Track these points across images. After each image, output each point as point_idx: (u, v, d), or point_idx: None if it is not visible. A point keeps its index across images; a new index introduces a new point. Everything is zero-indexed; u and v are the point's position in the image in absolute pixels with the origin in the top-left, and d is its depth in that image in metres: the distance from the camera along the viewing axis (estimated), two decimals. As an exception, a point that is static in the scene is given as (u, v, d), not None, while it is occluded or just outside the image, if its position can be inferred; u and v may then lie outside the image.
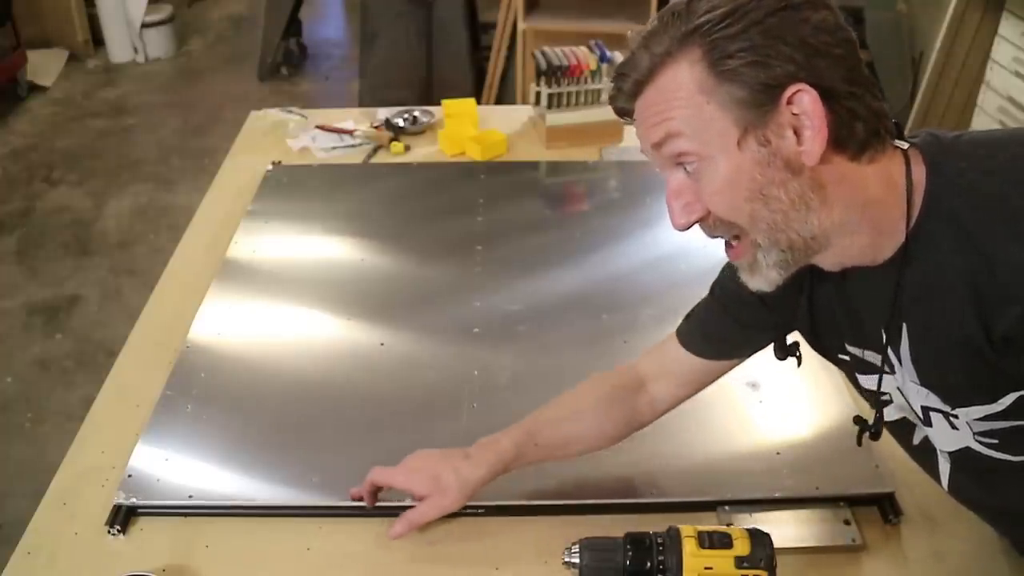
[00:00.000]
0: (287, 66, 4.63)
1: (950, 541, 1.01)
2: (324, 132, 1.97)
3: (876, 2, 3.46)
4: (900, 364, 0.80)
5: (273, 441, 1.16)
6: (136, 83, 4.57)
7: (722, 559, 0.82)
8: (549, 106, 1.91)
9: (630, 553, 0.85)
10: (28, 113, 4.19)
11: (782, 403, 1.20)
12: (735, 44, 0.69)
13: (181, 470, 1.10)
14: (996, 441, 0.78)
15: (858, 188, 0.73)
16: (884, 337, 0.79)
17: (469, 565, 1.00)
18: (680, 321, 1.05)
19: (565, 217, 1.75)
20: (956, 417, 0.79)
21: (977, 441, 0.79)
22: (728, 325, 0.99)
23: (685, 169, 0.75)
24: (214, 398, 1.22)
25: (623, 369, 1.08)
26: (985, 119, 2.95)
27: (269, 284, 1.48)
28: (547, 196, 1.84)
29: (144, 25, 4.70)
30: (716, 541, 0.83)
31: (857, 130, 0.72)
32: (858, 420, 0.90)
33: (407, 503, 1.03)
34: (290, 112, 2.08)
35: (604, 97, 1.92)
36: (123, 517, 1.04)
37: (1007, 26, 2.81)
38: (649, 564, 0.84)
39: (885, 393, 0.86)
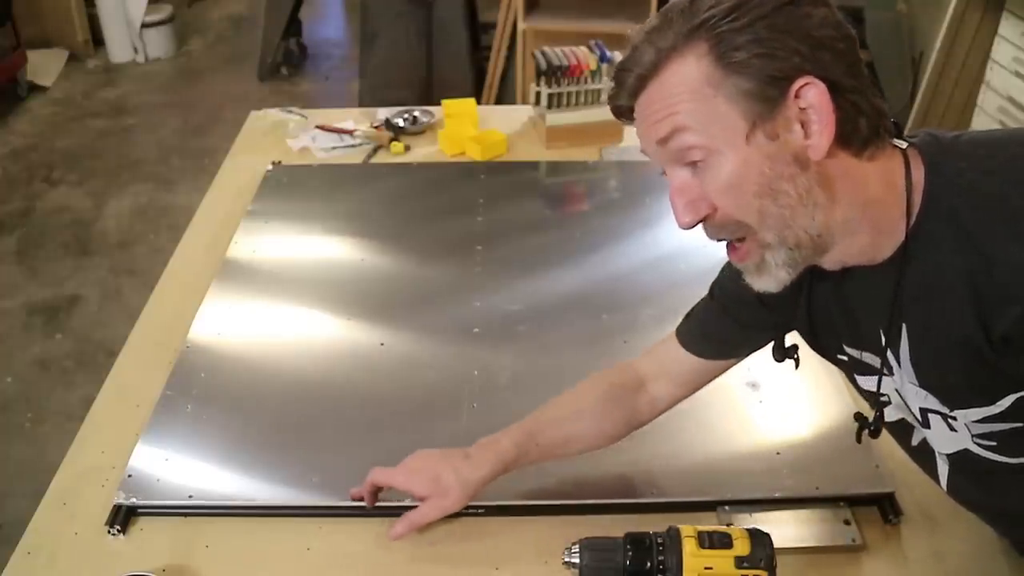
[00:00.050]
0: (287, 66, 4.63)
1: (950, 541, 1.01)
2: (324, 132, 1.97)
3: (876, 2, 3.46)
4: (899, 365, 0.80)
5: (273, 441, 1.16)
6: (136, 83, 4.57)
7: (722, 559, 0.82)
8: (549, 106, 1.91)
9: (630, 553, 0.85)
10: (28, 113, 4.19)
11: (782, 403, 1.20)
12: (742, 37, 0.69)
13: (181, 470, 1.10)
14: (994, 443, 0.77)
15: (860, 185, 0.73)
16: (883, 338, 0.79)
17: (469, 565, 1.00)
18: (680, 321, 1.05)
19: (565, 217, 1.75)
20: (954, 419, 0.79)
21: (975, 443, 0.79)
22: (728, 325, 0.99)
23: (690, 166, 0.74)
24: (214, 398, 1.22)
25: (623, 368, 1.08)
26: (985, 119, 2.95)
27: (269, 284, 1.48)
28: (547, 196, 1.84)
29: (144, 25, 4.70)
30: (716, 541, 0.83)
31: (860, 126, 0.72)
32: (858, 417, 0.90)
33: (407, 503, 1.03)
34: (290, 112, 2.08)
35: (604, 97, 1.92)
36: (123, 517, 1.04)
37: (1007, 26, 2.81)
38: (649, 564, 0.84)
39: (884, 394, 0.86)
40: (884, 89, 3.46)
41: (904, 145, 0.75)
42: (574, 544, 0.88)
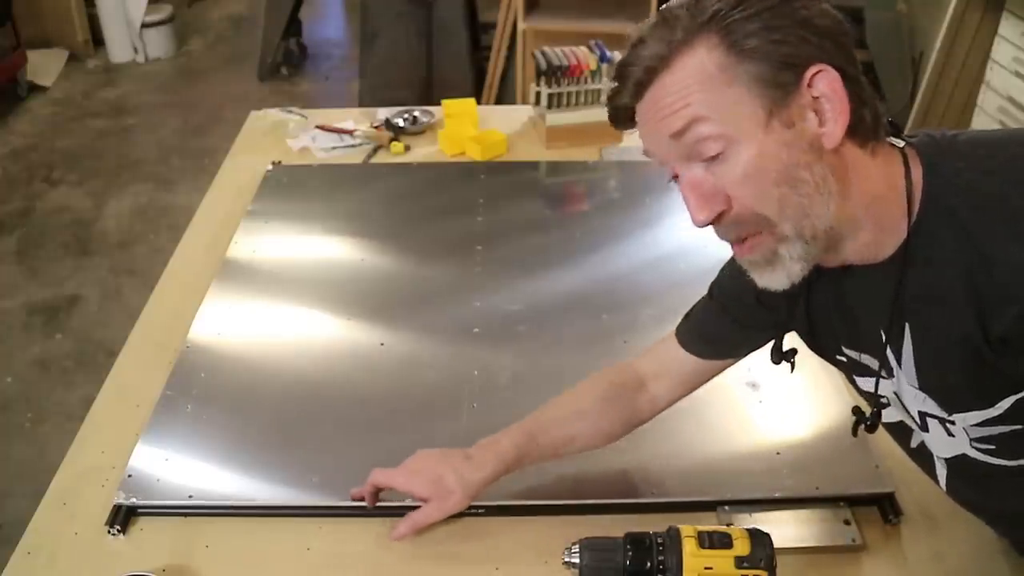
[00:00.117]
0: (287, 66, 4.63)
1: (950, 541, 1.01)
2: (324, 132, 1.97)
3: (876, 2, 3.46)
4: (900, 367, 0.80)
5: (273, 441, 1.16)
6: (136, 83, 4.57)
7: (722, 559, 0.82)
8: (549, 106, 1.91)
9: (630, 553, 0.85)
10: (28, 113, 4.19)
11: (782, 403, 1.20)
12: (752, 24, 0.69)
13: (181, 470, 1.10)
14: (993, 447, 0.77)
15: (866, 180, 0.73)
16: (884, 338, 0.79)
17: (469, 565, 1.00)
18: (680, 321, 1.05)
19: (565, 217, 1.75)
20: (952, 423, 0.79)
21: (973, 447, 0.79)
22: (727, 326, 0.99)
23: (703, 162, 0.73)
24: (214, 398, 1.22)
25: (622, 368, 1.08)
26: (985, 119, 2.94)
27: (269, 284, 1.48)
28: (547, 196, 1.84)
29: (144, 25, 4.70)
30: (716, 541, 0.83)
31: (865, 117, 0.73)
32: (856, 411, 0.90)
33: (408, 503, 1.03)
34: (290, 112, 2.08)
35: (604, 97, 1.92)
36: (123, 517, 1.04)
37: (1007, 26, 2.81)
38: (649, 564, 0.84)
39: (883, 396, 0.87)
40: (884, 89, 3.46)
41: (901, 144, 0.76)
42: (574, 544, 0.88)
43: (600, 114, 1.92)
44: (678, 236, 1.59)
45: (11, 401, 2.46)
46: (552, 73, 1.89)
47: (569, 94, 1.91)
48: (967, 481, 0.84)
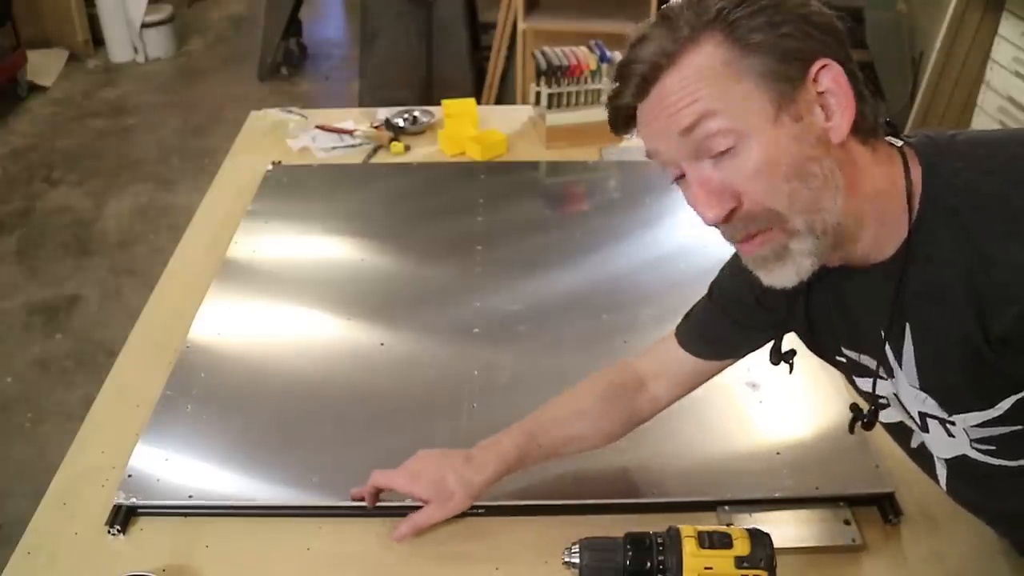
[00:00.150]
0: (287, 66, 4.63)
1: (950, 541, 1.01)
2: (324, 132, 1.97)
3: (876, 2, 3.46)
4: (900, 367, 0.79)
5: (273, 441, 1.16)
6: (136, 83, 4.57)
7: (722, 559, 0.82)
8: (549, 106, 1.91)
9: (630, 553, 0.85)
10: (28, 113, 4.19)
11: (782, 403, 1.20)
12: (756, 20, 0.70)
13: (181, 470, 1.10)
14: (993, 448, 0.77)
15: (869, 177, 0.74)
16: (885, 338, 0.79)
17: (469, 565, 1.00)
18: (680, 321, 1.05)
19: (565, 217, 1.75)
20: (953, 424, 0.78)
21: (974, 448, 0.79)
22: (727, 327, 0.99)
23: (712, 159, 0.72)
24: (214, 398, 1.22)
25: (622, 367, 1.08)
26: (985, 119, 2.94)
27: (269, 284, 1.48)
28: (547, 196, 1.84)
29: (144, 25, 4.70)
30: (716, 541, 0.83)
31: (866, 115, 0.73)
32: (854, 408, 0.90)
33: (408, 503, 1.03)
34: (290, 112, 2.08)
35: (604, 97, 1.91)
36: (123, 517, 1.04)
37: (1007, 26, 2.81)
38: (649, 564, 0.84)
39: (882, 397, 0.87)
40: (884, 89, 3.46)
41: (899, 143, 0.76)
42: (574, 544, 0.88)
43: (600, 114, 1.91)
44: (678, 236, 1.59)
45: (11, 401, 2.46)
46: (552, 73, 1.89)
47: (569, 94, 1.91)
48: (967, 481, 0.84)
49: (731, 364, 1.04)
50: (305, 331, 1.38)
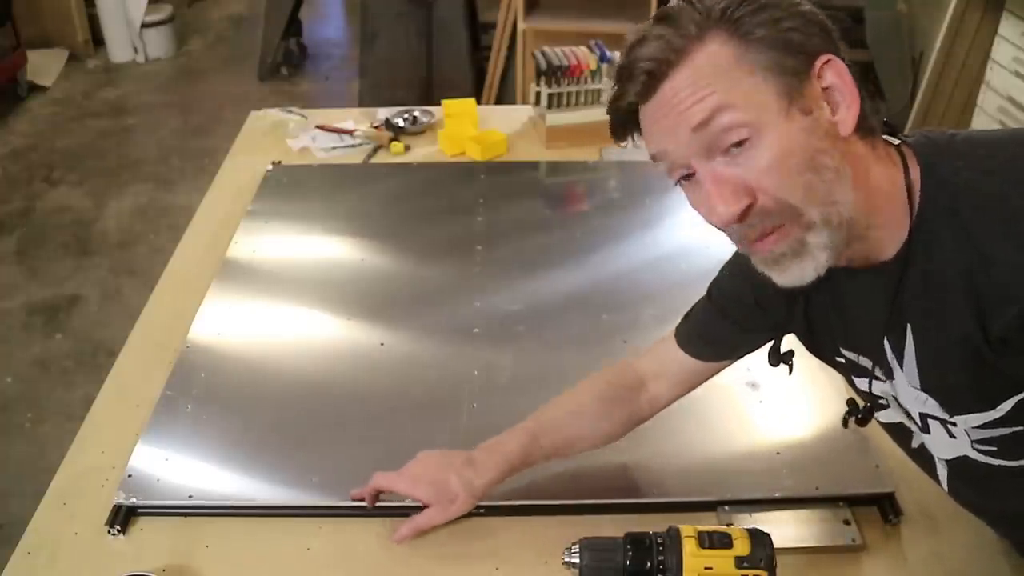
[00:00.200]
0: (287, 66, 4.63)
1: (950, 541, 1.01)
2: (324, 132, 1.97)
3: (876, 2, 3.46)
4: (901, 368, 0.79)
5: (273, 441, 1.16)
6: (136, 83, 4.57)
7: (722, 559, 0.82)
8: (549, 106, 1.91)
9: (630, 553, 0.85)
10: (28, 113, 4.19)
11: (782, 403, 1.20)
12: (760, 16, 0.70)
13: (181, 470, 1.10)
14: (994, 448, 0.77)
15: (872, 173, 0.74)
16: (885, 339, 0.79)
17: (469, 565, 1.00)
18: (679, 321, 1.05)
19: (565, 217, 1.75)
20: (954, 425, 0.78)
21: (975, 449, 0.79)
22: (726, 328, 0.99)
23: (724, 156, 0.71)
24: (214, 398, 1.22)
25: (622, 367, 1.08)
26: (985, 119, 2.94)
27: (269, 284, 1.48)
28: (547, 196, 1.84)
29: (144, 25, 4.70)
30: (716, 541, 0.83)
31: (866, 109, 0.73)
32: (850, 403, 0.90)
33: (408, 503, 1.03)
34: (290, 112, 2.08)
35: (604, 97, 1.92)
36: (123, 517, 1.04)
37: (1007, 26, 2.81)
38: (649, 564, 0.84)
39: (881, 397, 0.87)
40: (884, 89, 3.46)
41: (896, 142, 0.76)
42: (574, 544, 0.88)
43: (600, 114, 1.91)
44: (678, 236, 1.59)
45: (11, 401, 2.46)
46: (552, 73, 1.89)
47: (569, 94, 1.91)
48: (968, 482, 0.84)
49: (730, 364, 1.04)
50: (305, 331, 1.38)
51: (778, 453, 1.12)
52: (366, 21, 3.61)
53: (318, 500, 1.07)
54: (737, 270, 0.97)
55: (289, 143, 1.94)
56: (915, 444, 0.88)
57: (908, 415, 0.84)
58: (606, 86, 1.92)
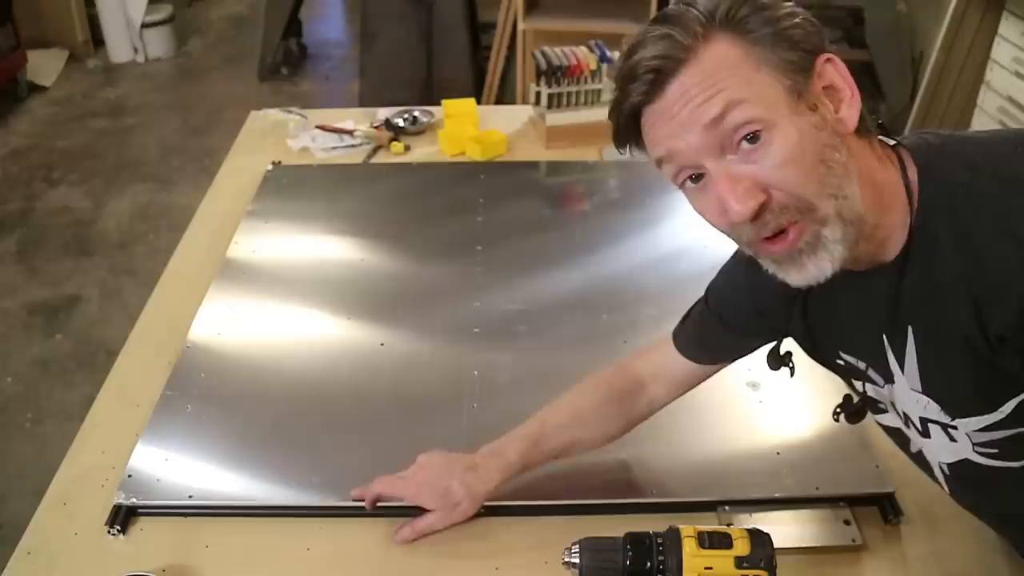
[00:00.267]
0: (287, 66, 4.62)
1: (950, 541, 1.01)
2: (324, 132, 1.97)
3: (876, 2, 3.46)
4: (902, 371, 0.79)
5: (273, 441, 1.16)
6: (136, 83, 4.57)
7: (722, 559, 0.82)
8: (549, 106, 1.91)
9: (630, 553, 0.85)
10: (28, 113, 4.19)
11: (782, 403, 1.20)
12: (763, 15, 0.71)
13: (181, 470, 1.10)
14: (996, 451, 0.77)
15: (874, 171, 0.74)
16: (886, 341, 0.79)
17: (469, 564, 1.00)
18: (677, 323, 1.05)
19: (565, 217, 1.75)
20: (955, 429, 0.78)
21: (976, 452, 0.79)
22: (724, 334, 0.99)
23: (736, 154, 0.70)
24: (214, 398, 1.22)
25: (621, 369, 1.09)
26: (985, 119, 2.94)
27: (269, 284, 1.48)
28: (547, 196, 1.84)
29: (144, 25, 4.69)
30: (716, 541, 0.83)
31: (864, 112, 0.73)
32: (846, 398, 0.90)
33: (407, 503, 1.03)
34: (290, 112, 2.08)
35: (605, 97, 1.92)
36: (123, 517, 1.04)
37: (1007, 26, 2.81)
38: (649, 564, 0.84)
39: (880, 402, 0.87)
40: (884, 89, 3.46)
41: (892, 143, 0.76)
42: (574, 544, 0.88)
43: (600, 114, 1.92)
44: (678, 236, 1.59)
45: (11, 401, 2.46)
46: (552, 73, 1.89)
47: (569, 94, 1.91)
48: (969, 484, 0.84)
49: (726, 365, 1.04)
50: (305, 331, 1.38)
51: (778, 453, 1.12)
52: (366, 21, 3.61)
53: (318, 500, 1.07)
54: (734, 275, 0.97)
55: (289, 143, 1.94)
56: (914, 449, 0.88)
57: (906, 421, 0.84)
58: (606, 86, 1.92)
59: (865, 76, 3.42)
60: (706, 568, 0.82)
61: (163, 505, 1.06)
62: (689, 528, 0.84)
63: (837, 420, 0.90)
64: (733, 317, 0.97)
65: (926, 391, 0.78)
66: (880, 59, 3.42)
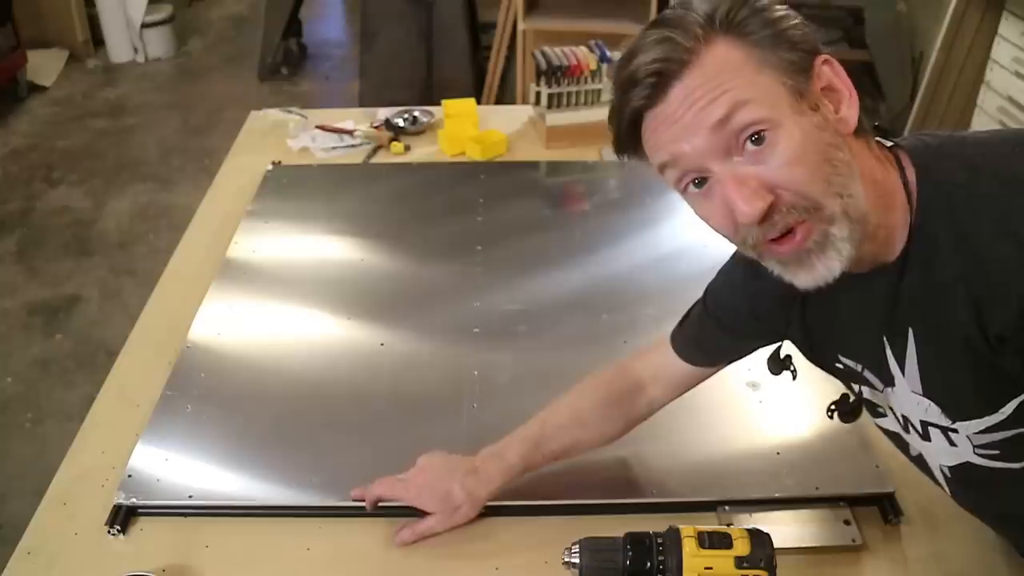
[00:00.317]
0: (287, 66, 4.62)
1: (950, 541, 1.01)
2: (324, 132, 1.97)
3: (876, 2, 3.46)
4: (903, 374, 0.79)
5: (273, 441, 1.16)
6: (136, 83, 4.57)
7: (722, 559, 0.82)
8: (549, 106, 1.91)
9: (630, 553, 0.85)
10: (28, 113, 4.19)
11: (782, 403, 1.20)
12: (761, 17, 0.71)
13: (181, 470, 1.10)
14: (997, 452, 0.77)
15: (874, 171, 0.74)
16: (886, 343, 0.79)
17: (469, 565, 1.00)
18: (675, 325, 1.05)
19: (565, 217, 1.75)
20: (955, 432, 0.78)
21: (977, 454, 0.79)
22: (722, 337, 0.99)
23: (742, 156, 0.70)
24: (214, 398, 1.22)
25: (620, 371, 1.09)
26: (985, 119, 2.94)
27: (269, 284, 1.48)
28: (547, 196, 1.83)
29: (144, 25, 4.69)
30: (716, 541, 0.83)
31: (861, 113, 0.73)
32: (843, 397, 0.90)
33: (407, 503, 1.03)
34: (290, 112, 2.08)
35: (604, 97, 1.92)
36: (123, 517, 1.04)
37: (1007, 26, 2.81)
38: (649, 564, 0.84)
39: (879, 406, 0.86)
40: (884, 89, 3.46)
41: (889, 144, 0.76)
42: (574, 544, 0.88)
43: (600, 114, 1.92)
44: (678, 236, 1.59)
45: (11, 401, 2.46)
46: (552, 73, 1.89)
47: (569, 94, 1.91)
48: (970, 486, 0.84)
49: (724, 367, 1.04)
50: (305, 331, 1.38)
51: (778, 453, 1.12)
52: (366, 21, 3.61)
53: (318, 500, 1.07)
54: (732, 278, 0.97)
55: (289, 143, 1.94)
56: (914, 453, 0.88)
57: (906, 425, 0.84)
58: (606, 86, 1.92)
59: (865, 76, 3.42)
60: (706, 568, 0.82)
61: (163, 505, 1.06)
62: (689, 528, 0.84)
63: (831, 418, 0.90)
64: (731, 320, 0.97)
65: (927, 393, 0.78)
66: (880, 59, 3.42)
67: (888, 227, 0.74)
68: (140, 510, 1.05)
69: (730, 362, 1.03)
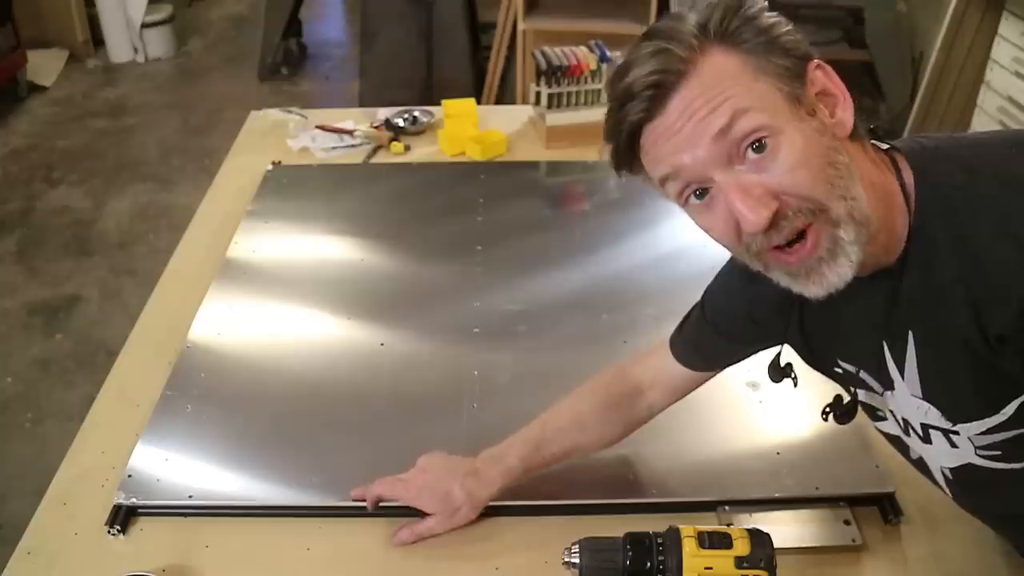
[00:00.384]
0: (287, 66, 4.62)
1: (950, 541, 1.01)
2: (324, 132, 1.97)
3: (876, 2, 3.46)
4: (903, 377, 0.79)
5: (273, 441, 1.16)
6: (136, 83, 4.56)
7: (722, 559, 0.82)
8: (549, 106, 1.91)
9: (630, 553, 0.85)
10: (28, 113, 4.18)
11: (782, 403, 1.20)
12: (753, 25, 0.71)
13: (181, 470, 1.10)
14: (998, 453, 0.77)
15: (872, 173, 0.74)
16: (886, 347, 0.79)
17: (469, 565, 1.00)
18: (674, 329, 1.05)
19: (565, 217, 1.75)
20: (956, 434, 0.78)
21: (979, 456, 0.79)
22: (720, 342, 0.99)
23: (744, 164, 0.69)
24: (214, 398, 1.22)
25: (620, 374, 1.09)
26: (985, 119, 2.94)
27: (269, 284, 1.48)
28: (547, 196, 1.83)
29: (144, 25, 4.69)
30: (716, 541, 0.83)
31: (856, 113, 0.74)
32: (837, 398, 0.90)
33: (407, 503, 1.03)
34: (290, 112, 2.08)
35: (604, 97, 1.92)
36: (123, 517, 1.04)
37: (1007, 26, 2.81)
38: (649, 564, 0.84)
39: (879, 409, 0.86)
40: (884, 89, 3.46)
41: (885, 147, 0.76)
42: (574, 544, 0.88)
43: (600, 114, 1.91)
44: (678, 236, 1.59)
45: (11, 401, 2.46)
46: (552, 73, 1.89)
47: (569, 94, 1.91)
48: (971, 487, 0.84)
49: (723, 370, 1.05)
50: (305, 331, 1.38)
51: (778, 453, 1.12)
52: (366, 21, 3.61)
53: (318, 500, 1.07)
54: (730, 283, 0.96)
55: (289, 143, 1.94)
56: (914, 456, 0.88)
57: (906, 428, 0.84)
58: (606, 86, 1.92)
59: (865, 76, 3.42)
60: (706, 568, 0.82)
61: (163, 505, 1.06)
62: (689, 528, 0.85)
63: (826, 419, 0.90)
64: (729, 326, 0.97)
65: (927, 396, 0.78)
66: (880, 59, 3.42)
67: (888, 230, 0.74)
68: (140, 510, 1.05)
69: (727, 366, 1.03)
